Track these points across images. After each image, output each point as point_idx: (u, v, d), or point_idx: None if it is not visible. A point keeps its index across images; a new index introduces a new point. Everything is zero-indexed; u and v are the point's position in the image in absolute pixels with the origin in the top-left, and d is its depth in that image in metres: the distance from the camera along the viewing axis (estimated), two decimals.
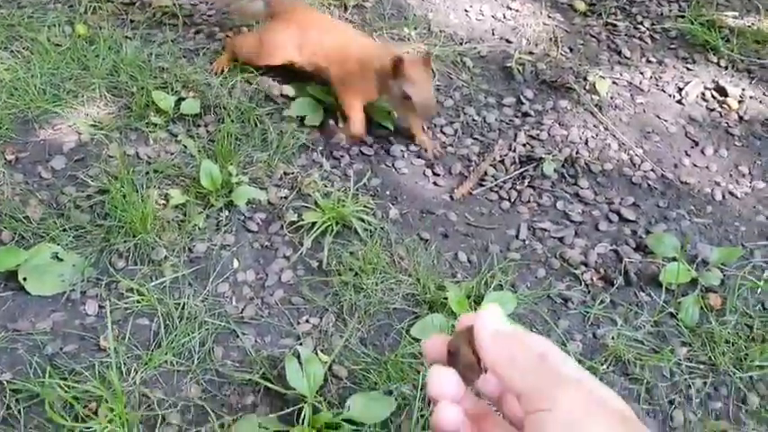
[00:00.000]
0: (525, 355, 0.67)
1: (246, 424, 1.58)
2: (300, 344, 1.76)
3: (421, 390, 1.65)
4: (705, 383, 1.82)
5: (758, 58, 2.81)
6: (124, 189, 1.95)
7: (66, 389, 1.58)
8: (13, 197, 1.98)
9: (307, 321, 1.84)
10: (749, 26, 2.96)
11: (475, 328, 0.70)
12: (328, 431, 1.57)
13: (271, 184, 2.12)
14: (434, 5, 2.88)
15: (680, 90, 2.67)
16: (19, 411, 1.56)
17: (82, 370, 1.64)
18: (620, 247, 2.10)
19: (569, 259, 2.06)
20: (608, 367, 1.81)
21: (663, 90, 2.67)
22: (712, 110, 2.61)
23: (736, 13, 3.00)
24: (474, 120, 2.45)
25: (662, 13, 2.98)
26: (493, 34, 2.81)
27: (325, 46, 2.27)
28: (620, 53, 2.80)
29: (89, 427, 1.52)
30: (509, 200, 2.22)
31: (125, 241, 1.90)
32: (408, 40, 2.70)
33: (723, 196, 2.31)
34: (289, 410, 1.62)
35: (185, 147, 2.18)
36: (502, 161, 2.32)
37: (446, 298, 1.85)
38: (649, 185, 2.31)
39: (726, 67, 2.79)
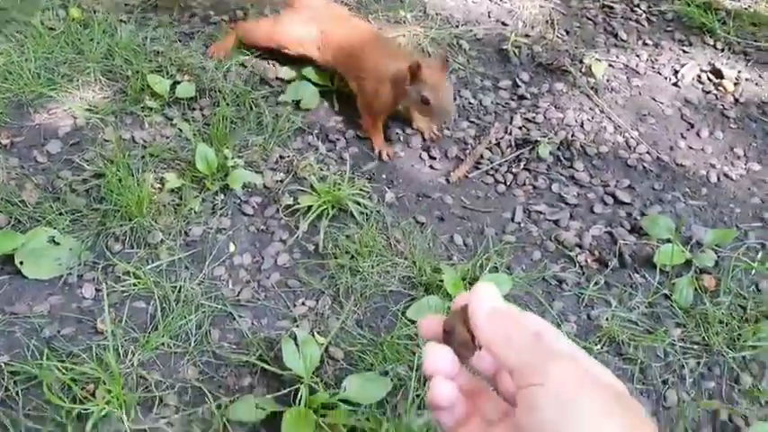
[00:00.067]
0: (519, 333, 0.68)
1: (243, 405, 1.59)
2: (297, 326, 1.77)
3: (416, 370, 1.66)
4: (699, 363, 1.83)
5: (754, 41, 2.81)
6: (120, 173, 1.95)
7: (63, 371, 1.59)
8: (8, 181, 1.98)
9: (303, 304, 1.85)
10: (746, 8, 2.95)
11: (470, 306, 0.71)
12: (325, 411, 1.58)
13: (266, 168, 2.12)
14: None
15: (676, 72, 2.67)
16: (17, 393, 1.57)
17: (79, 352, 1.65)
18: (615, 229, 2.10)
19: (564, 241, 2.06)
20: (602, 348, 1.82)
21: (659, 72, 2.67)
22: (708, 92, 2.61)
23: None
24: (470, 103, 2.45)
25: None
26: (489, 17, 2.81)
27: (345, 53, 2.24)
28: (616, 36, 2.80)
29: (87, 409, 1.53)
30: (505, 183, 2.22)
31: (121, 225, 1.90)
32: (404, 22, 2.69)
33: (718, 178, 2.31)
34: (285, 391, 1.63)
35: (181, 130, 2.18)
36: (498, 144, 2.32)
37: (442, 280, 1.86)
38: (645, 168, 2.31)
39: (722, 50, 2.78)
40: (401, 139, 2.30)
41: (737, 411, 1.75)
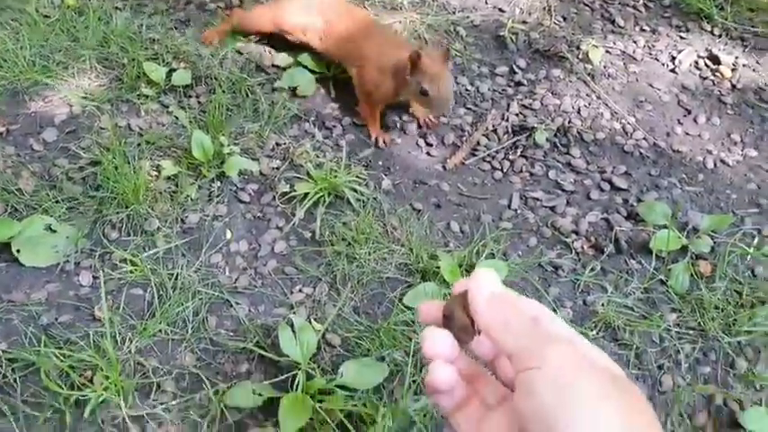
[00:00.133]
0: (518, 318, 0.68)
1: (241, 390, 1.60)
2: (294, 313, 1.77)
3: (413, 356, 1.67)
4: (694, 349, 1.84)
5: (752, 27, 2.80)
6: (116, 160, 1.95)
7: (61, 358, 1.60)
8: (4, 169, 1.98)
9: (300, 291, 1.85)
10: None
11: (469, 291, 0.71)
12: (322, 397, 1.59)
13: (262, 155, 2.12)
14: None
15: (673, 59, 2.66)
16: (15, 380, 1.57)
17: (77, 339, 1.66)
18: (612, 216, 2.11)
19: (561, 228, 2.07)
20: (597, 333, 1.83)
21: (656, 59, 2.67)
22: (705, 78, 2.61)
23: None
24: (467, 89, 2.45)
25: None
26: (486, 3, 2.80)
27: (348, 46, 2.23)
28: (613, 22, 2.79)
29: (85, 395, 1.54)
30: (501, 170, 2.22)
31: (118, 212, 1.90)
32: (401, 8, 2.69)
33: (715, 164, 2.32)
34: (282, 377, 1.63)
35: (177, 118, 2.18)
36: (494, 131, 2.32)
37: (438, 267, 1.86)
38: (641, 154, 2.31)
39: (719, 36, 2.78)
40: (398, 126, 2.30)
41: (732, 396, 1.76)
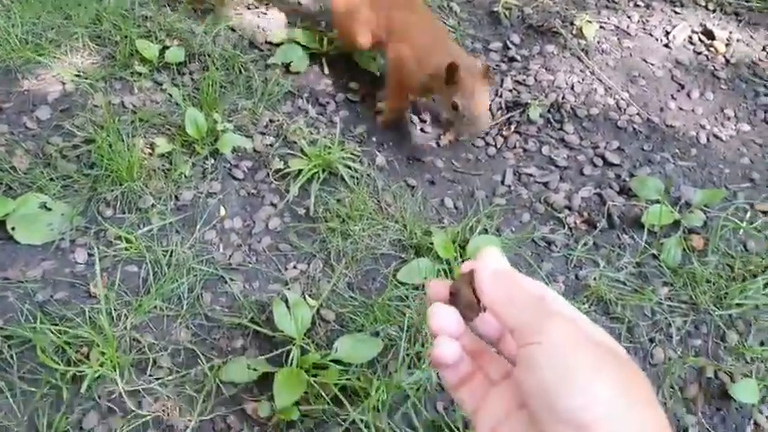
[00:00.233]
0: (521, 294, 0.69)
1: (236, 365, 1.61)
2: (288, 289, 1.78)
3: (407, 331, 1.68)
4: (685, 322, 1.86)
5: (746, 1, 2.80)
6: (110, 138, 1.95)
7: (57, 334, 1.61)
8: None
9: (294, 267, 1.86)
10: None
11: (476, 268, 0.73)
12: (316, 371, 1.61)
13: (256, 132, 2.12)
14: None
15: (667, 34, 2.66)
16: (11, 356, 1.58)
17: (73, 316, 1.66)
18: (604, 191, 2.12)
19: (554, 203, 2.08)
20: (590, 307, 1.85)
21: (650, 34, 2.66)
22: (699, 53, 2.60)
23: None
24: None
25: None
26: None
27: (396, 24, 2.11)
28: None
29: (81, 371, 1.55)
30: (495, 146, 2.23)
31: (112, 190, 1.90)
32: None
33: (708, 139, 2.32)
34: (277, 352, 1.65)
35: (170, 95, 2.17)
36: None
37: (432, 243, 1.87)
38: (634, 129, 2.32)
39: (713, 11, 2.78)
40: None
41: (723, 368, 1.78)
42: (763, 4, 2.79)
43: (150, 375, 1.61)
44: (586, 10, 2.70)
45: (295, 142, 2.10)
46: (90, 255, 1.80)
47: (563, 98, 2.37)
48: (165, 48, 2.28)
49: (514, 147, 2.23)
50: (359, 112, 2.25)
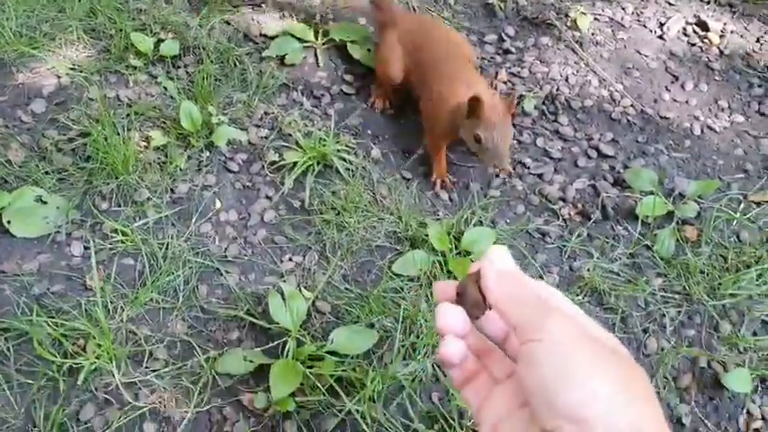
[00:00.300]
0: (524, 292, 0.71)
1: (232, 357, 1.62)
2: (284, 281, 1.79)
3: (402, 322, 1.69)
4: (679, 312, 1.87)
5: None
6: (105, 131, 1.95)
7: (54, 327, 1.61)
8: None
9: (290, 260, 1.87)
10: None
11: (482, 267, 0.74)
12: (312, 363, 1.62)
13: (251, 125, 2.12)
14: None
15: (661, 25, 2.66)
16: (8, 349, 1.59)
17: (69, 309, 1.67)
18: (598, 183, 2.12)
19: (548, 195, 2.08)
20: (584, 298, 1.86)
21: (644, 25, 2.67)
22: (693, 45, 2.61)
23: None
24: None
25: None
26: None
27: (421, 73, 2.12)
28: None
29: (78, 363, 1.56)
30: None
31: (107, 183, 1.91)
32: None
33: (702, 130, 2.33)
34: (273, 344, 1.66)
35: (165, 88, 2.17)
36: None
37: (427, 235, 1.88)
38: (629, 121, 2.32)
39: (708, 2, 2.78)
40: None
41: (716, 358, 1.79)
42: None
43: (147, 367, 1.62)
44: (581, 2, 2.70)
45: (290, 135, 2.10)
46: (86, 248, 1.80)
47: (557, 90, 2.37)
48: (160, 41, 2.28)
49: None
50: (354, 104, 2.25)
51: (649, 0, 2.75)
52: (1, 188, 1.87)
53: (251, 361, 1.61)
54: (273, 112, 2.16)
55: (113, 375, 1.56)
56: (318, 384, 1.56)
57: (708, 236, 2.01)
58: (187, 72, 2.24)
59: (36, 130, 2.03)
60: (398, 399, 1.61)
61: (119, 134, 1.98)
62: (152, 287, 1.74)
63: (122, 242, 1.81)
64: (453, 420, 1.58)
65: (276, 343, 1.66)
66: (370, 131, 2.19)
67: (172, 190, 1.94)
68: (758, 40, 2.66)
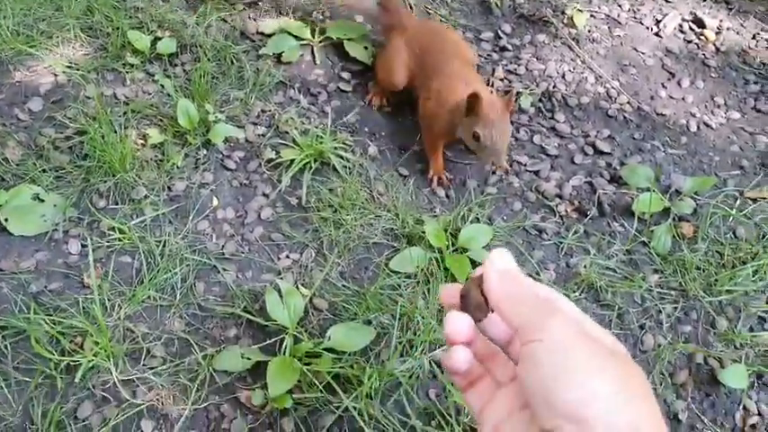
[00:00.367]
0: (525, 293, 0.71)
1: (229, 354, 1.63)
2: (281, 278, 1.79)
3: (399, 319, 1.69)
4: (675, 308, 1.88)
5: None
6: (102, 129, 1.95)
7: (51, 324, 1.62)
8: None
9: (287, 257, 1.87)
10: None
11: (484, 270, 0.75)
12: (309, 360, 1.62)
13: (248, 122, 2.13)
14: None
15: (658, 22, 2.67)
16: (6, 347, 1.59)
17: (67, 307, 1.67)
18: (595, 179, 2.13)
19: (545, 192, 2.09)
20: (580, 294, 1.86)
21: (640, 22, 2.67)
22: (689, 42, 2.62)
23: None
24: None
25: None
26: None
27: (422, 74, 2.13)
28: None
29: (75, 361, 1.56)
30: None
31: (105, 181, 1.91)
32: None
33: (698, 127, 2.34)
34: (270, 341, 1.66)
35: (162, 86, 2.17)
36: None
37: (424, 232, 1.88)
38: (625, 118, 2.33)
39: None
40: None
41: (713, 354, 1.80)
42: None
43: (144, 365, 1.62)
44: None
45: (287, 132, 2.10)
46: (83, 245, 1.80)
47: (554, 87, 2.38)
48: (157, 39, 2.28)
49: None
50: (351, 102, 2.26)
51: None
52: None
53: (248, 358, 1.61)
54: (270, 110, 2.17)
55: (111, 373, 1.57)
56: (316, 381, 1.57)
57: (704, 232, 2.02)
58: (184, 70, 2.24)
59: (33, 128, 2.03)
60: (396, 395, 1.61)
61: (116, 132, 1.98)
62: (149, 285, 1.74)
63: (120, 240, 1.81)
64: (450, 417, 1.59)
65: (273, 340, 1.66)
66: (367, 129, 2.19)
67: (169, 188, 1.94)
68: (754, 37, 2.67)
